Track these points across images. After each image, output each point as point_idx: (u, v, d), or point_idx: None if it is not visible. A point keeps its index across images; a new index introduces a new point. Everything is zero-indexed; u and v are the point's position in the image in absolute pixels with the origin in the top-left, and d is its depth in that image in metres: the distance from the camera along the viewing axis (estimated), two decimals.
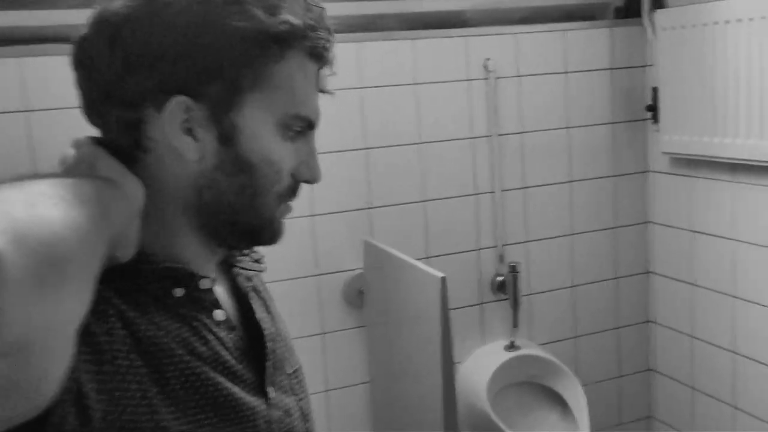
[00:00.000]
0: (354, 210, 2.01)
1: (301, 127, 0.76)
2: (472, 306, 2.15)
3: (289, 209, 0.78)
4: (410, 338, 1.78)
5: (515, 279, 2.11)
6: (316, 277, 1.99)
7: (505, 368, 2.07)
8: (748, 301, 1.98)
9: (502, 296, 2.15)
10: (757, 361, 1.98)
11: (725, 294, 2.06)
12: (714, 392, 2.14)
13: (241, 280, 0.82)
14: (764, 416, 1.97)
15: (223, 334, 0.74)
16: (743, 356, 2.02)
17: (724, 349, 2.08)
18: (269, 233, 0.77)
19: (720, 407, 2.12)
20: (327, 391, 2.03)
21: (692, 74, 2.00)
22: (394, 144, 2.03)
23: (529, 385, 2.13)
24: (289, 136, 0.75)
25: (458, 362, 2.12)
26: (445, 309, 1.58)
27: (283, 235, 0.78)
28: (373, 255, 1.94)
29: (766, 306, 1.93)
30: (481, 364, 2.09)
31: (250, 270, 0.84)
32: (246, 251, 0.85)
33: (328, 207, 1.98)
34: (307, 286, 1.99)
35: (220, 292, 0.78)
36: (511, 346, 2.12)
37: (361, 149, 2.00)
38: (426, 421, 1.71)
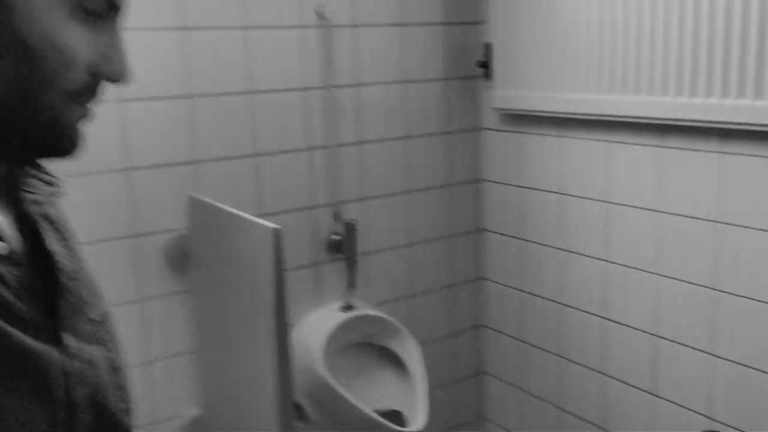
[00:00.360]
0: (176, 164, 1.82)
1: (101, 8, 0.60)
2: (306, 267, 2.05)
3: (87, 114, 0.62)
4: (241, 301, 1.64)
5: (352, 238, 2.03)
6: (133, 239, 1.79)
7: (341, 330, 1.99)
8: (575, 253, 2.05)
9: (338, 256, 2.07)
10: (582, 311, 2.05)
11: (553, 247, 2.11)
12: (542, 344, 2.20)
13: (28, 205, 0.65)
14: (589, 364, 2.06)
15: (3, 269, 0.57)
16: (570, 307, 2.09)
17: (552, 301, 2.15)
18: (58, 142, 0.60)
19: (548, 358, 2.19)
20: (147, 363, 1.84)
21: (524, 30, 2.02)
22: (221, 92, 1.86)
23: (366, 345, 2.07)
24: (85, 19, 0.59)
25: (292, 325, 2.01)
26: (279, 264, 1.46)
27: (80, 147, 0.62)
28: (199, 212, 1.77)
29: (591, 257, 2.00)
30: (316, 327, 2.00)
31: (40, 194, 0.67)
32: (33, 170, 0.68)
33: (146, 160, 1.78)
34: (122, 248, 1.78)
35: (1, 220, 0.61)
36: (347, 307, 2.05)
37: (183, 97, 1.81)
38: (259, 389, 1.58)
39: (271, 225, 1.44)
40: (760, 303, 1.62)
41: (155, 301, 1.83)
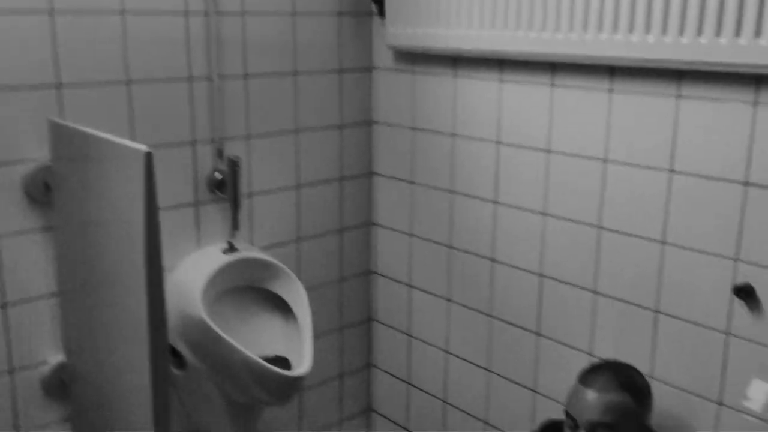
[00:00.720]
0: (36, 86, 1.64)
1: None
2: (186, 206, 1.92)
3: None
4: (110, 237, 1.50)
5: (235, 176, 1.92)
6: None
7: (223, 272, 1.88)
8: (466, 195, 2.02)
9: (220, 195, 1.95)
10: (471, 253, 2.04)
11: (444, 190, 2.08)
12: (431, 288, 2.18)
13: None
14: (477, 306, 2.05)
15: None
16: (459, 250, 2.07)
17: (442, 244, 2.12)
18: None
19: (437, 302, 2.17)
20: (5, 306, 1.67)
21: None
22: (87, 8, 1.68)
23: (250, 289, 1.98)
24: None
25: (171, 269, 1.89)
26: (151, 191, 1.34)
27: None
28: (62, 138, 1.60)
29: (481, 198, 1.98)
30: (196, 269, 1.88)
31: None
32: None
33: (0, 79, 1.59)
34: None
35: None
36: (230, 249, 1.94)
37: (43, 12, 1.62)
38: (130, 334, 1.46)
39: (141, 147, 1.32)
40: (642, 239, 1.64)
41: (13, 239, 1.66)
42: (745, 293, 1.47)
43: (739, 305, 1.50)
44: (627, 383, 1.50)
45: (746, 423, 1.51)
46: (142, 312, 1.40)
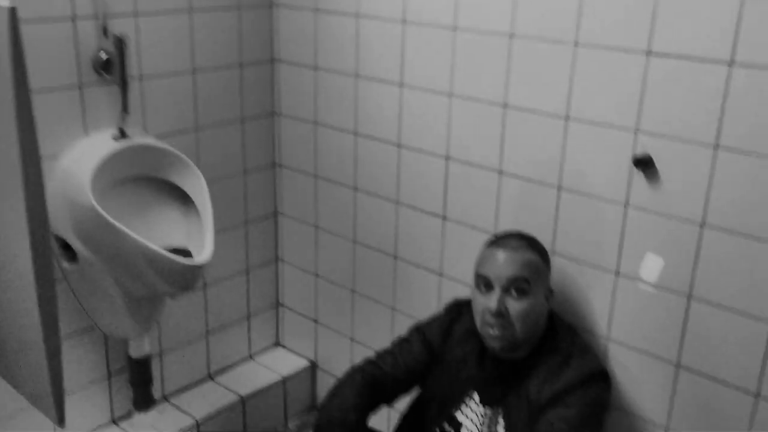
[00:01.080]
0: None
1: None
2: (69, 89, 1.77)
3: None
4: None
5: (122, 55, 1.78)
6: None
7: (114, 160, 1.77)
8: (371, 79, 1.95)
9: (107, 77, 1.81)
10: (377, 139, 1.99)
11: (348, 75, 2.00)
12: (338, 178, 2.13)
13: None
14: (384, 193, 2.01)
15: None
16: (365, 136, 2.02)
17: (348, 132, 2.06)
18: None
19: (343, 192, 2.13)
20: None
21: None
22: None
23: (147, 180, 1.87)
24: None
25: (56, 156, 1.76)
26: (18, 57, 1.20)
27: None
28: None
29: (387, 82, 1.91)
30: (84, 156, 1.75)
31: None
32: None
33: None
34: None
35: None
36: (121, 136, 1.82)
37: None
38: (7, 225, 1.34)
39: (2, 2, 1.17)
40: (546, 116, 1.63)
41: None
42: (644, 164, 1.49)
43: (637, 176, 1.52)
44: (534, 245, 1.56)
45: (641, 292, 1.56)
46: (17, 200, 1.29)
